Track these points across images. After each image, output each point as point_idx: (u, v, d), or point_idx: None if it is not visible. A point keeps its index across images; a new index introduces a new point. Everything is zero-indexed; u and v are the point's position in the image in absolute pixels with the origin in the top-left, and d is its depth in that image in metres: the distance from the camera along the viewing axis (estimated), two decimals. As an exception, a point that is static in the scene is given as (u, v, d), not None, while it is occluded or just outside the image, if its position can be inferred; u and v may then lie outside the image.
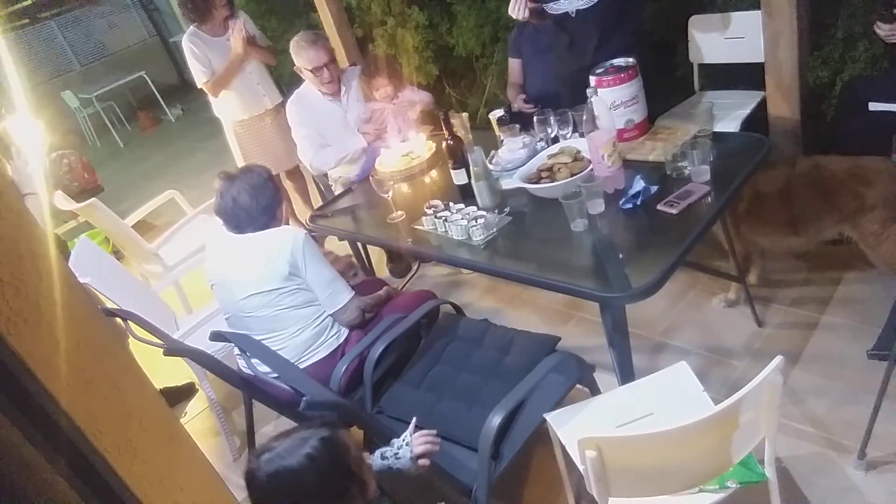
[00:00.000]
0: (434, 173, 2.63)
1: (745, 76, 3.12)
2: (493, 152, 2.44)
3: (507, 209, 2.14)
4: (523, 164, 2.27)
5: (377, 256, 3.36)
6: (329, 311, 2.08)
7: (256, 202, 2.02)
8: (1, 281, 0.71)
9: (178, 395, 2.99)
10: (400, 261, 3.44)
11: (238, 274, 2.05)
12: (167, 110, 8.67)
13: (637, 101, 2.23)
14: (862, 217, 2.13)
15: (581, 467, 1.30)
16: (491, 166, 2.34)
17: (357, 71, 3.12)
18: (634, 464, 1.31)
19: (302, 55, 2.92)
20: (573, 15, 2.50)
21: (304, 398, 1.68)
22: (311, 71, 2.93)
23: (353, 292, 2.12)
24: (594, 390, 1.97)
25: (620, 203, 1.95)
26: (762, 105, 2.90)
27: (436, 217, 2.16)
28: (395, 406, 1.97)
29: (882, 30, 2.30)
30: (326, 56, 2.92)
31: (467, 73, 4.59)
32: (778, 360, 1.30)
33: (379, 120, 2.93)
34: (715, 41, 3.09)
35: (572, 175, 2.05)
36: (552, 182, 2.08)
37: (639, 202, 1.92)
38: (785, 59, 2.70)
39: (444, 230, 2.13)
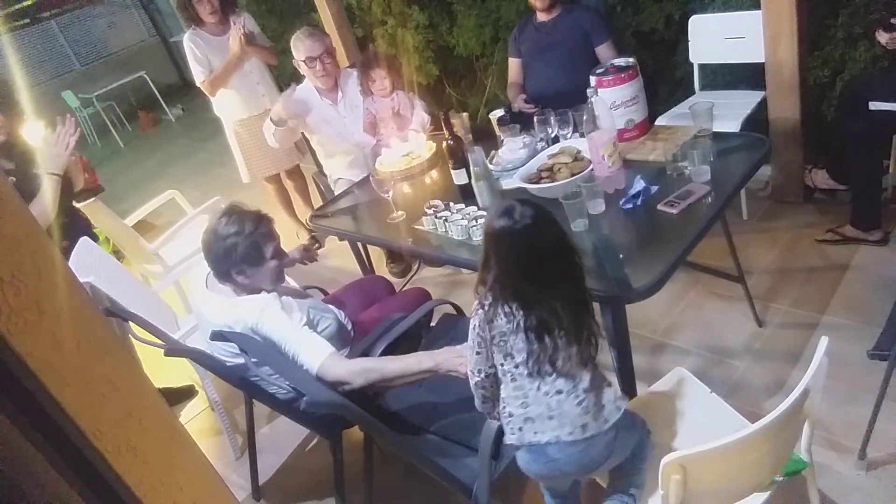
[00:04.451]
0: (434, 173, 2.63)
1: (745, 76, 3.13)
2: (493, 152, 2.44)
3: (507, 209, 2.13)
4: (523, 164, 2.27)
5: (377, 256, 3.36)
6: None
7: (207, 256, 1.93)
8: (1, 280, 0.71)
9: (177, 397, 2.99)
10: (400, 261, 3.44)
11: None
12: (167, 110, 8.67)
13: (637, 100, 2.22)
14: None
15: (660, 493, 1.24)
16: (491, 166, 2.33)
17: (353, 73, 3.09)
18: (713, 476, 1.26)
19: (299, 46, 2.92)
20: None
21: (304, 398, 1.68)
22: (304, 62, 2.93)
23: (327, 354, 1.80)
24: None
25: (621, 203, 1.95)
26: (762, 105, 2.90)
27: (436, 217, 2.16)
28: (395, 406, 1.96)
29: (883, 37, 2.30)
30: (322, 48, 2.91)
31: (467, 73, 4.59)
32: (825, 340, 1.28)
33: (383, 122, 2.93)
34: (715, 41, 3.09)
35: (572, 175, 2.05)
36: (552, 182, 2.08)
37: (639, 202, 1.92)
38: (785, 59, 2.71)
39: (444, 230, 2.13)
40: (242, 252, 1.86)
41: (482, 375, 1.54)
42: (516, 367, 1.44)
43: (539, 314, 1.41)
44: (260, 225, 1.90)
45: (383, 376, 1.79)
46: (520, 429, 1.44)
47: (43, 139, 2.59)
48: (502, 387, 1.49)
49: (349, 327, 2.12)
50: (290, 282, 2.53)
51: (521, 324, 1.42)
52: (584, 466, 1.46)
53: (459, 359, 1.72)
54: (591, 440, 1.42)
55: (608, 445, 1.44)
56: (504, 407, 1.48)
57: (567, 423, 1.41)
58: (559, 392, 1.42)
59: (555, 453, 1.43)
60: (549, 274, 1.41)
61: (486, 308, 1.47)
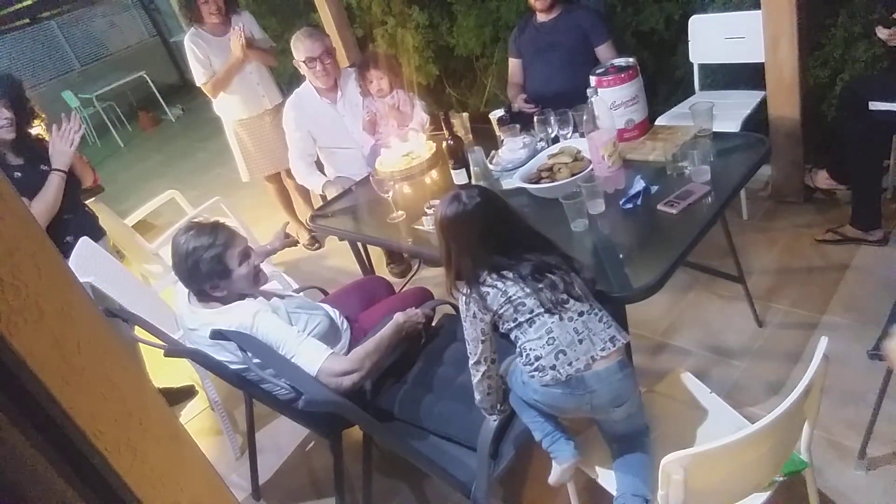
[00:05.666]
0: (434, 173, 2.63)
1: (745, 76, 3.13)
2: (493, 152, 2.44)
3: (507, 209, 2.13)
4: (523, 164, 2.27)
5: (377, 256, 3.36)
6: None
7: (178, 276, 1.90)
8: (1, 280, 0.71)
9: (177, 397, 2.99)
10: (400, 261, 3.44)
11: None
12: (167, 110, 8.67)
13: (637, 100, 2.22)
14: None
15: (660, 493, 1.24)
16: (491, 166, 2.33)
17: (353, 72, 3.07)
18: (713, 476, 1.26)
19: (298, 46, 2.93)
20: None
21: (302, 396, 1.68)
22: (304, 62, 2.93)
23: (326, 356, 1.78)
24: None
25: (621, 203, 1.95)
26: (762, 105, 2.90)
27: (436, 217, 2.15)
28: (394, 406, 1.96)
29: (883, 34, 2.30)
30: (321, 48, 2.92)
31: (467, 73, 4.59)
32: (824, 340, 1.29)
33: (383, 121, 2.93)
34: (715, 41, 3.09)
35: (572, 175, 2.05)
36: (552, 182, 2.08)
37: (639, 202, 1.92)
38: (785, 59, 2.71)
39: (444, 230, 2.13)
40: (207, 268, 1.82)
41: (489, 363, 1.58)
42: (531, 311, 1.49)
43: (525, 265, 1.51)
44: (217, 236, 1.84)
45: (382, 352, 1.88)
46: (552, 367, 1.46)
47: (49, 137, 2.61)
48: (522, 336, 1.51)
49: (344, 326, 2.12)
50: (276, 284, 2.53)
51: (516, 279, 1.50)
52: (617, 397, 1.49)
53: (411, 310, 2.00)
54: (624, 366, 1.49)
55: (631, 376, 1.51)
56: (528, 355, 1.49)
57: (598, 340, 1.48)
58: (581, 314, 1.50)
59: (594, 383, 1.46)
60: (511, 241, 1.53)
61: (473, 296, 1.51)
